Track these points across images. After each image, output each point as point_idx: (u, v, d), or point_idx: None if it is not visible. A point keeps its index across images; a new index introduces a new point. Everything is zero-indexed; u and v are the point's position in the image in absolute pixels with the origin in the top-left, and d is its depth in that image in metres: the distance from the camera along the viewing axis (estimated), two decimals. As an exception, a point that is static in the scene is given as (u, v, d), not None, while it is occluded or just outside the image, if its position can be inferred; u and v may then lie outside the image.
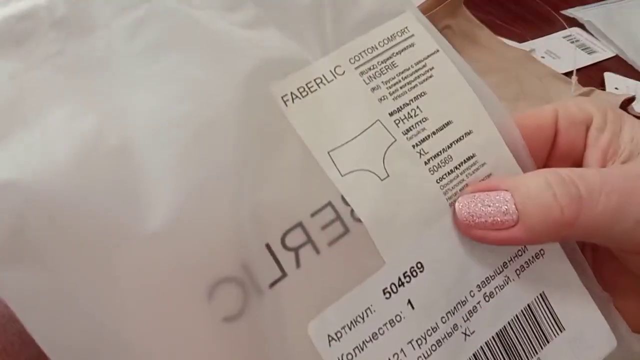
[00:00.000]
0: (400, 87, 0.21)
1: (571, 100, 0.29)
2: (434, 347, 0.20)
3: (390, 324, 0.20)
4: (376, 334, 0.19)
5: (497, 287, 0.22)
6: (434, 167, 0.21)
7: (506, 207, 0.20)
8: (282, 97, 0.19)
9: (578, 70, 0.57)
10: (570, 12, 0.66)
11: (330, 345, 0.19)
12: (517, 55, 0.57)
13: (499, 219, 0.20)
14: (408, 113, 0.21)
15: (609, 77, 0.58)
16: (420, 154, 0.21)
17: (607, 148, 0.23)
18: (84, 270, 0.16)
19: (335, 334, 0.19)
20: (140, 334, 0.16)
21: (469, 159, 0.22)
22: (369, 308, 0.19)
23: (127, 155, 0.17)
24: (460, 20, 0.58)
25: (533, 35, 0.62)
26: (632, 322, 0.24)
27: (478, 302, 0.21)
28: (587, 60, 0.60)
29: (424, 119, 0.21)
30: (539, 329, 0.22)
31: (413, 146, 0.21)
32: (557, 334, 0.22)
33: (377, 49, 0.21)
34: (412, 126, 0.21)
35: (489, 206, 0.21)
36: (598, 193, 0.20)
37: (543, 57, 0.59)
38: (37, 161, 0.16)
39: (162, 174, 0.17)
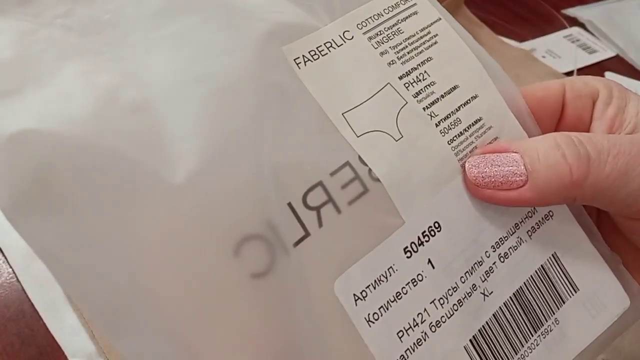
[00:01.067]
0: (408, 52, 0.22)
1: (578, 76, 0.30)
2: (455, 307, 0.20)
3: (413, 283, 0.20)
4: (400, 293, 0.19)
5: (510, 247, 0.22)
6: (445, 129, 0.21)
7: (515, 167, 0.21)
8: (294, 60, 0.20)
9: (579, 69, 0.57)
10: (571, 11, 0.66)
11: (356, 304, 0.18)
12: (517, 54, 0.57)
13: (508, 179, 0.21)
14: (417, 77, 0.21)
15: (610, 77, 0.58)
16: (431, 116, 0.21)
17: (613, 120, 0.23)
18: (111, 220, 0.15)
19: (361, 293, 0.19)
20: (167, 285, 0.16)
21: (476, 122, 0.22)
22: (391, 267, 0.19)
23: (148, 110, 0.17)
24: (461, 20, 0.56)
25: (533, 34, 0.62)
26: None
27: (494, 263, 0.21)
28: (587, 59, 0.60)
29: (432, 83, 0.22)
30: (554, 289, 0.22)
31: (424, 108, 0.21)
32: (572, 294, 0.23)
33: (382, 15, 0.22)
34: (422, 89, 0.21)
35: (499, 166, 0.21)
36: (606, 154, 0.20)
37: (544, 57, 0.58)
38: (56, 112, 0.16)
39: (184, 130, 0.17)
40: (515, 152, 0.21)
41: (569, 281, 0.23)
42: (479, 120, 0.22)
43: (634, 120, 0.23)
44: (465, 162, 0.21)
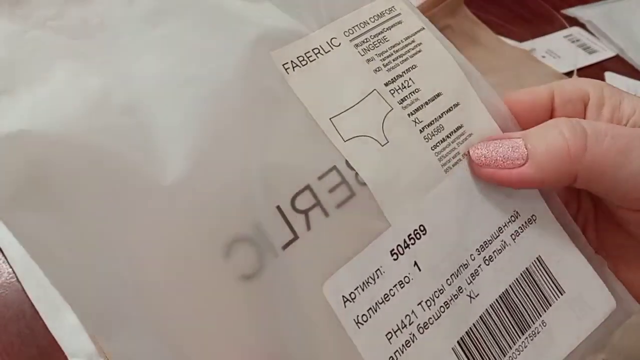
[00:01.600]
0: (393, 60, 0.22)
1: (566, 80, 0.30)
2: (442, 309, 0.20)
3: (400, 285, 0.20)
4: (387, 295, 0.19)
5: (495, 251, 0.22)
6: (429, 135, 0.22)
7: (517, 147, 0.22)
8: (283, 65, 0.20)
9: (579, 69, 0.57)
10: (571, 11, 0.66)
11: (345, 306, 0.19)
12: (517, 54, 0.58)
13: (509, 157, 0.22)
14: (402, 84, 0.22)
15: (610, 77, 0.58)
16: (416, 122, 0.22)
17: (610, 121, 0.23)
18: (100, 220, 0.16)
19: (350, 294, 0.19)
20: (157, 285, 0.16)
21: (458, 129, 0.22)
22: (379, 269, 0.20)
23: (137, 112, 0.17)
24: (461, 20, 0.58)
25: (533, 34, 0.62)
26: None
27: (479, 266, 0.22)
28: (587, 59, 0.60)
29: (416, 90, 0.22)
30: (539, 292, 0.23)
31: (408, 115, 0.22)
32: (558, 296, 0.23)
33: (368, 24, 0.22)
34: (407, 96, 0.22)
35: (501, 146, 0.22)
36: (604, 134, 0.21)
37: (544, 57, 0.58)
38: (48, 112, 0.16)
39: (173, 132, 0.17)
40: (518, 138, 0.22)
41: (554, 284, 0.23)
42: (461, 127, 0.23)
43: (632, 117, 0.23)
44: (450, 167, 0.22)
